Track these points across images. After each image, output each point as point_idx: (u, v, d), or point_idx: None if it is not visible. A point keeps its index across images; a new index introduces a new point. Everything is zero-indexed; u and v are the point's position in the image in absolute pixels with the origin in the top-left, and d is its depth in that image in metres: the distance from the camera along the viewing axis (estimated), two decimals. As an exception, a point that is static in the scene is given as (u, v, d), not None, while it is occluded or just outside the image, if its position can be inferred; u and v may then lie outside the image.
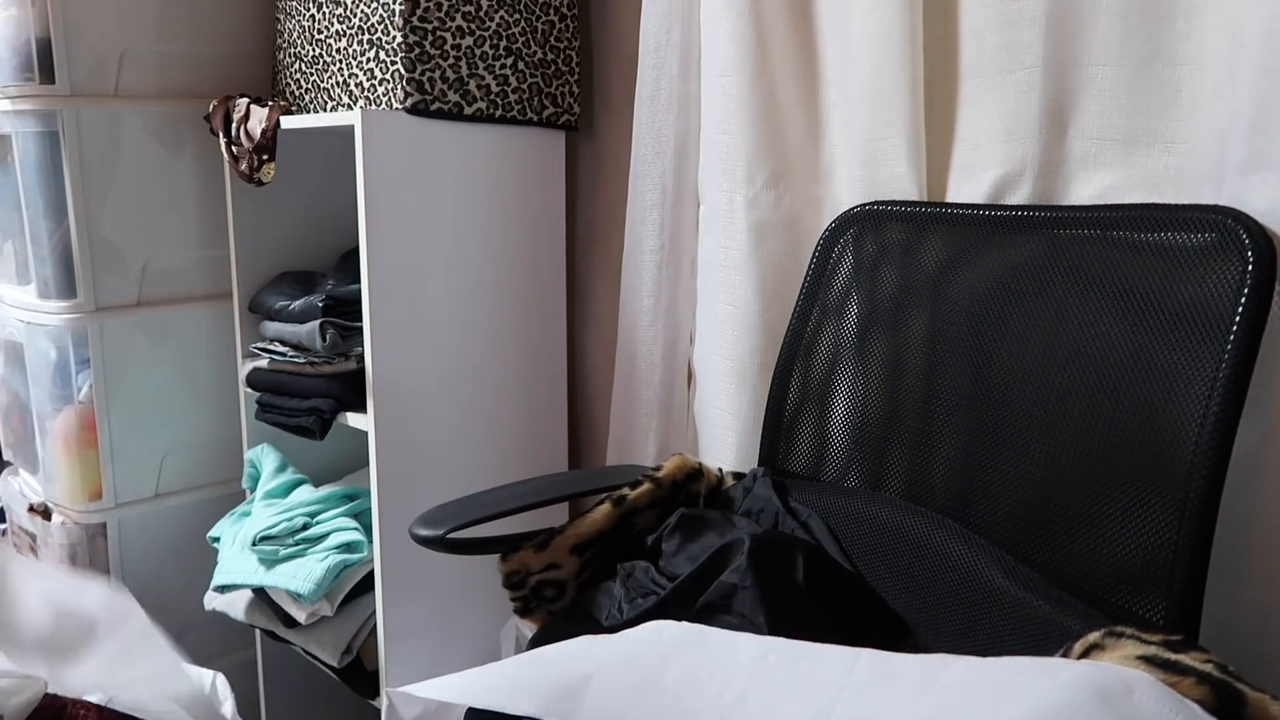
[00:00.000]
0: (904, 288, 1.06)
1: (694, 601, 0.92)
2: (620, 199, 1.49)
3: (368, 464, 1.42)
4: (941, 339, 1.02)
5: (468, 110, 1.43)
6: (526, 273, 1.56)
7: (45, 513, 1.72)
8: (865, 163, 1.14)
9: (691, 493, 1.12)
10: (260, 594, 1.53)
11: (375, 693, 1.45)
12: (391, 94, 1.39)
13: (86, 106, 1.56)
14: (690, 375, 1.42)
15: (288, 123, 1.46)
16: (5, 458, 1.94)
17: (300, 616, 1.46)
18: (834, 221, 1.14)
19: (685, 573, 0.93)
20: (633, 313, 1.44)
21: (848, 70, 1.17)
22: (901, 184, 1.10)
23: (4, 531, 1.94)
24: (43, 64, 1.54)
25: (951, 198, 1.10)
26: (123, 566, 1.69)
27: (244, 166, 1.53)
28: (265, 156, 1.50)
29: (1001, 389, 0.94)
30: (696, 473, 1.13)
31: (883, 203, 1.11)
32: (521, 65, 1.48)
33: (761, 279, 1.25)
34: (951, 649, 0.89)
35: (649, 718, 0.79)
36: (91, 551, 1.68)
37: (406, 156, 1.38)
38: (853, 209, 1.13)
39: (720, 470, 1.18)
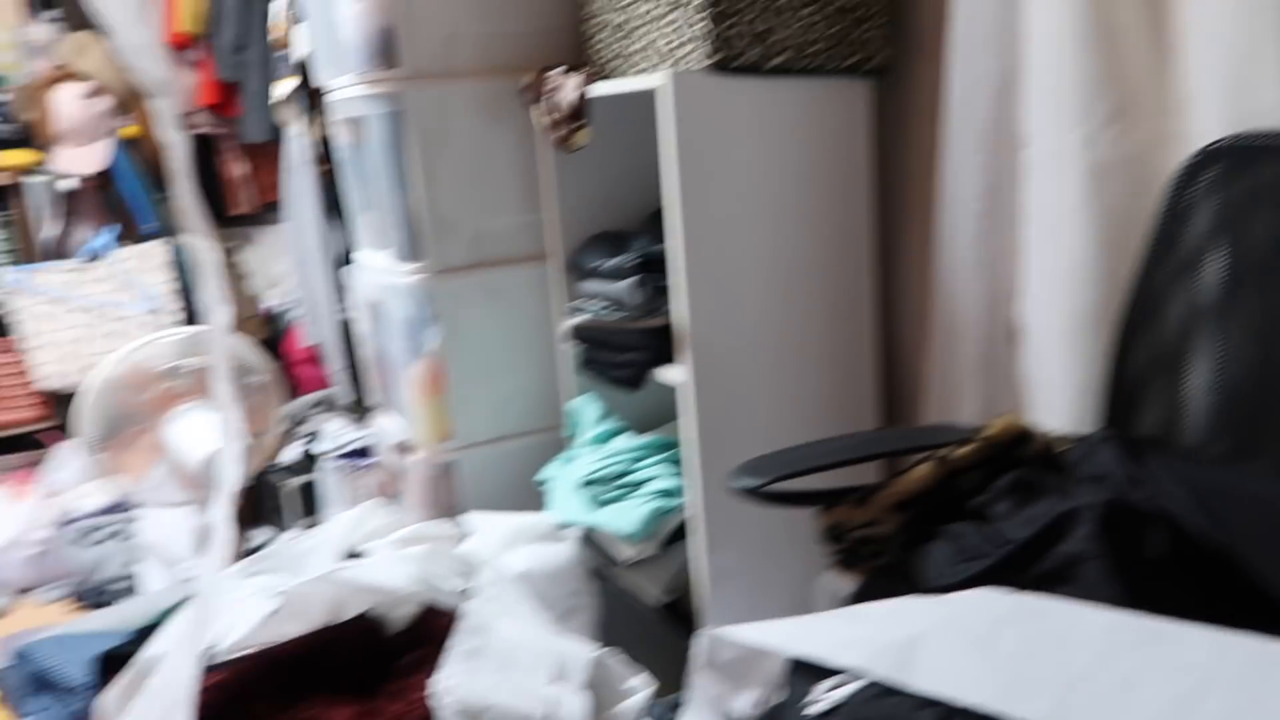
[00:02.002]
0: (1280, 233, 0.94)
1: (1030, 569, 0.88)
2: (932, 147, 1.43)
3: (678, 416, 1.47)
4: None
5: (770, 64, 1.42)
6: (831, 226, 1.54)
7: (406, 450, 1.95)
8: (1231, 90, 1.01)
9: (1021, 455, 1.07)
10: (588, 532, 1.65)
11: (694, 631, 1.52)
12: (694, 54, 1.41)
13: (424, 87, 1.72)
14: (1018, 331, 1.34)
15: (597, 90, 1.53)
16: (373, 402, 2.21)
17: (625, 555, 1.56)
18: (1191, 159, 1.03)
19: (1020, 538, 0.90)
20: (952, 265, 1.39)
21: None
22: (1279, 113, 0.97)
23: (374, 465, 2.23)
24: (388, 50, 1.71)
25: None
26: (469, 500, 1.88)
27: (559, 134, 1.62)
28: (578, 123, 1.58)
29: None
30: (1027, 434, 1.07)
31: (1255, 135, 0.98)
32: (826, 13, 1.44)
33: (1101, 226, 1.16)
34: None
35: (983, 683, 0.78)
36: (443, 485, 1.89)
37: (710, 115, 1.40)
38: (1215, 144, 1.01)
39: (1053, 432, 1.12)
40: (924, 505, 1.06)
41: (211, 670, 1.19)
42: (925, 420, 1.48)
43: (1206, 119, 1.07)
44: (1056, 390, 1.22)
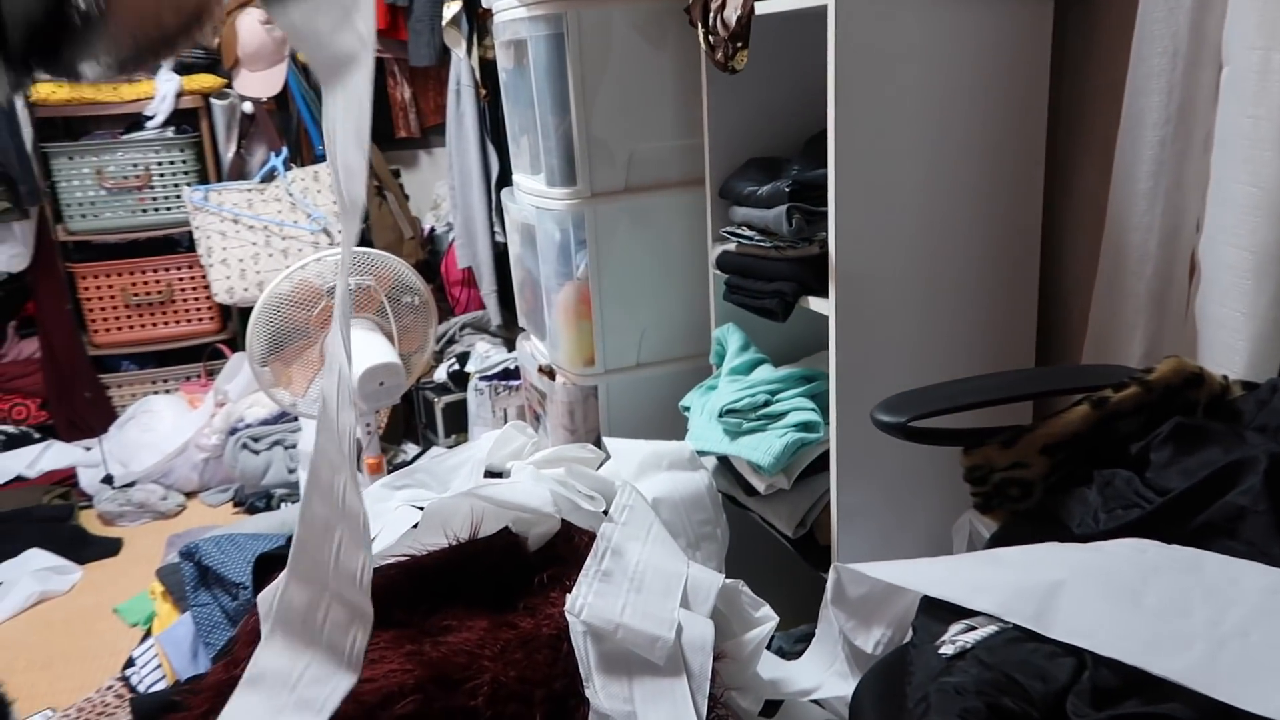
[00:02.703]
0: None
1: (1188, 521, 0.82)
2: (1118, 67, 1.32)
3: (825, 347, 1.44)
4: None
5: (947, -21, 1.34)
6: (1000, 154, 1.45)
7: (550, 373, 2.00)
8: None
9: (1188, 400, 0.99)
10: (724, 462, 1.65)
11: (826, 566, 1.51)
12: (865, -31, 1.34)
13: (586, 8, 1.71)
14: (1193, 268, 1.24)
15: (761, 8, 1.48)
16: (520, 325, 2.27)
17: (760, 486, 1.56)
18: None
19: (1179, 487, 0.84)
20: (1126, 195, 1.29)
21: None
22: None
23: (520, 386, 2.29)
24: (550, -31, 1.71)
25: None
26: (610, 425, 1.91)
27: (719, 55, 1.58)
28: (740, 44, 1.54)
29: None
30: (1196, 378, 0.99)
31: None
32: (1008, -78, 1.35)
33: (1301, 154, 1.05)
34: None
35: (1127, 634, 0.74)
36: (585, 410, 1.93)
37: (879, 36, 1.33)
38: None
39: (1225, 378, 1.03)
40: (1076, 449, 1.00)
41: None
42: (1084, 360, 1.39)
43: None
44: (1233, 332, 1.13)
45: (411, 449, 2.94)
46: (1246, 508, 0.77)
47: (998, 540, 1.04)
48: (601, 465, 1.67)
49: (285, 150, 3.08)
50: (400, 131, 3.38)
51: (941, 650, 0.85)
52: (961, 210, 1.45)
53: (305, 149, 3.25)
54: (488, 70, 2.66)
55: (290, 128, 3.23)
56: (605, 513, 1.41)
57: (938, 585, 0.91)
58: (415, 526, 1.37)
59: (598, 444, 1.79)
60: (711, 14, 1.59)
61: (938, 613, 0.90)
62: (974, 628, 0.86)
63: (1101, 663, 0.74)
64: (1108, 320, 1.34)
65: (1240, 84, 1.11)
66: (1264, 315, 1.10)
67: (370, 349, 2.04)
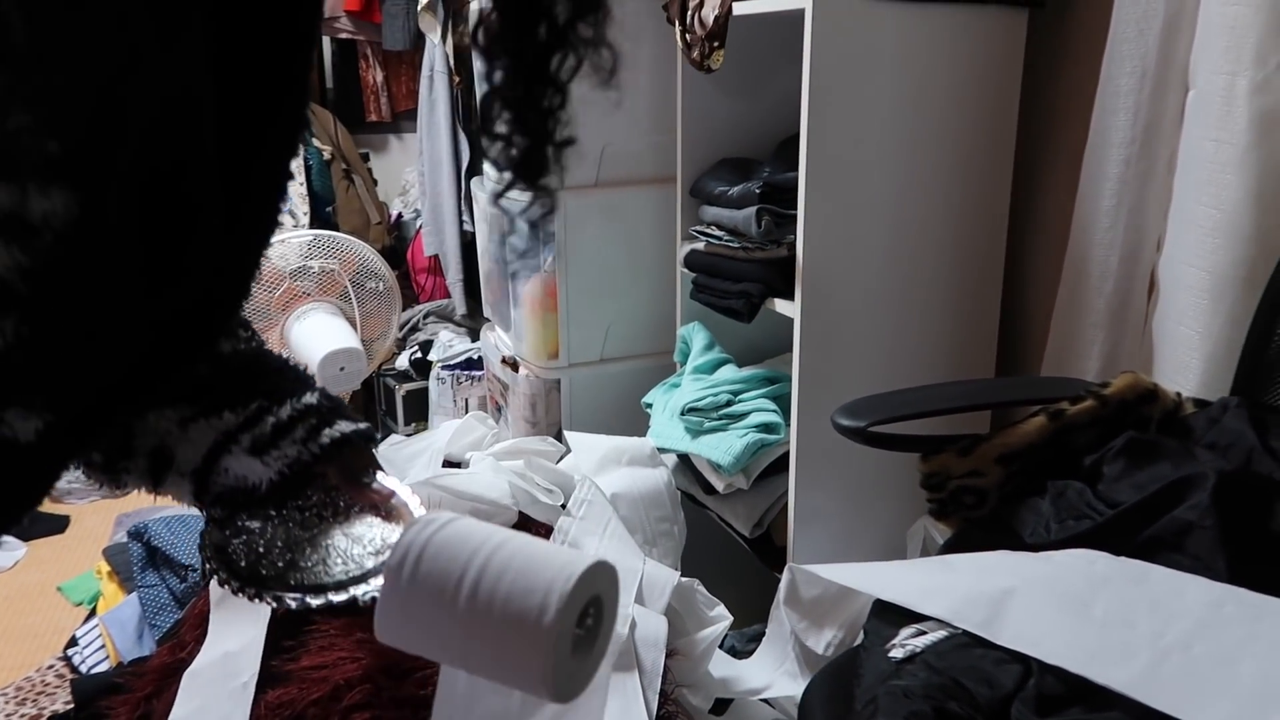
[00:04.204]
0: None
1: (1136, 534, 0.84)
2: (1087, 84, 1.34)
3: (789, 350, 1.45)
4: None
5: (923, -11, 1.35)
6: (969, 165, 1.46)
7: (514, 365, 1.99)
8: None
9: (1142, 416, 1.01)
10: (685, 460, 1.65)
11: (781, 566, 1.51)
12: (844, -25, 1.35)
13: (563, 0, 1.70)
14: (1152, 286, 1.26)
15: (739, 9, 1.48)
16: (485, 315, 2.26)
17: (719, 485, 1.56)
18: (1374, 110, 0.93)
19: (1129, 501, 0.85)
20: (1090, 212, 1.31)
21: None
22: None
23: (482, 377, 2.28)
24: (528, -38, 1.70)
25: None
26: (571, 419, 1.90)
27: (695, 54, 1.58)
28: (716, 44, 1.54)
29: None
30: (1150, 394, 1.01)
31: None
32: (985, -64, 1.36)
33: (1259, 178, 1.07)
34: None
35: (1073, 643, 0.75)
36: (547, 403, 1.92)
37: (855, 42, 1.34)
38: (1405, 94, 0.91)
39: (1179, 395, 1.05)
40: (1031, 460, 1.02)
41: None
42: (1043, 372, 1.41)
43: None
44: (1190, 351, 1.15)
45: (370, 436, 2.91)
46: (1193, 523, 0.79)
47: (951, 547, 1.05)
48: (562, 459, 1.66)
49: (253, 128, 3.03)
50: (371, 115, 3.34)
51: (891, 653, 0.86)
52: (929, 219, 1.46)
53: (273, 128, 3.20)
54: (462, 57, 2.64)
55: (259, 106, 3.18)
56: (563, 506, 1.41)
57: (890, 589, 0.92)
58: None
59: (559, 437, 1.79)
60: (689, 12, 1.59)
61: (889, 616, 0.91)
62: (924, 632, 0.87)
63: (1047, 670, 0.75)
64: (1067, 334, 1.36)
65: (1205, 108, 1.14)
66: (1218, 335, 1.12)
67: (331, 333, 2.02)
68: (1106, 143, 1.28)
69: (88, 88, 0.41)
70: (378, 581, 0.65)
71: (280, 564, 0.69)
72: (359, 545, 0.71)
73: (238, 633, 1.17)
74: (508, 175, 0.67)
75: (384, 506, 0.74)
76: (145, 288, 0.49)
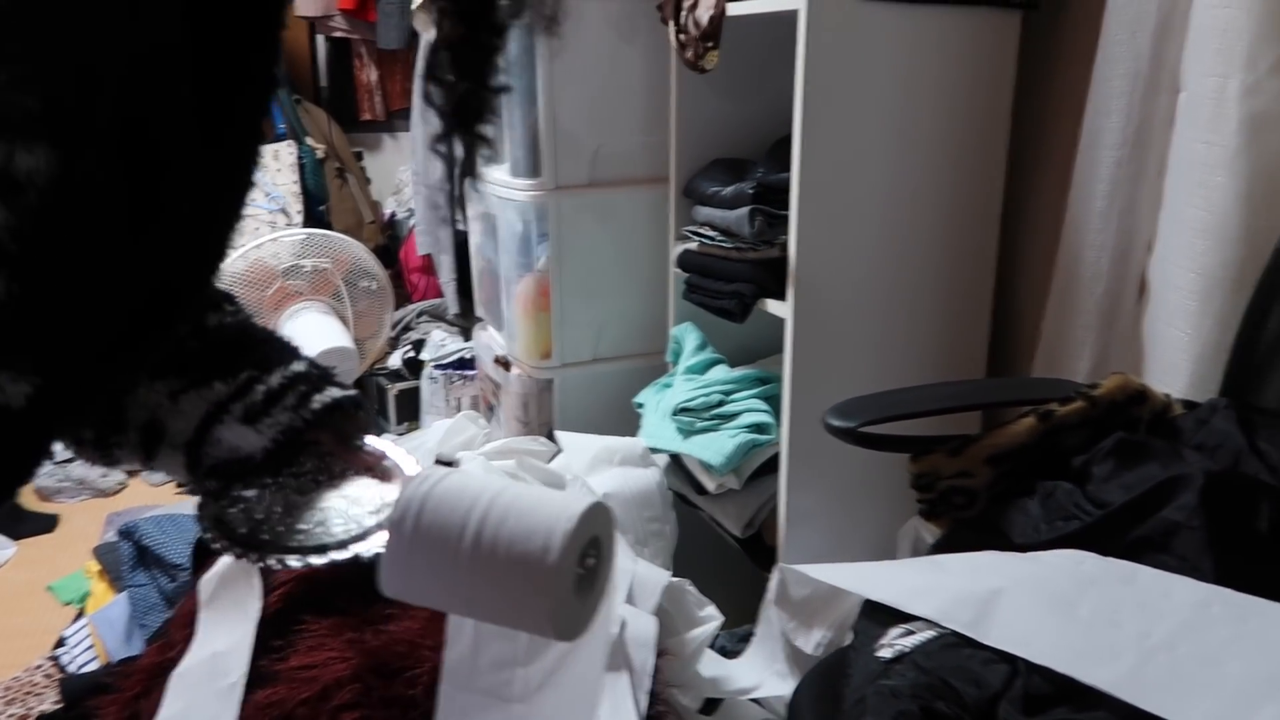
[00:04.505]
0: None
1: (1124, 534, 0.84)
2: (1079, 86, 1.34)
3: (781, 350, 1.45)
4: None
5: (917, -9, 1.35)
6: (962, 166, 1.47)
7: (506, 364, 1.99)
8: None
9: (1131, 417, 1.01)
10: (676, 460, 1.65)
11: (772, 566, 1.51)
12: (837, -24, 1.35)
13: None
14: (1143, 287, 1.26)
15: (733, 9, 1.48)
16: (478, 315, 2.26)
17: (710, 486, 1.56)
18: (1363, 113, 0.94)
19: (1118, 501, 0.85)
20: (1082, 213, 1.31)
21: None
22: None
23: (475, 376, 2.28)
24: (522, -40, 1.70)
25: None
26: (562, 419, 1.90)
27: (689, 54, 1.58)
28: (710, 44, 1.54)
29: None
30: (1140, 395, 1.01)
31: None
32: (980, -63, 1.36)
33: (1250, 180, 1.07)
34: None
35: (1059, 643, 0.75)
36: (539, 402, 1.92)
37: (848, 43, 1.34)
38: (1393, 98, 0.92)
39: (1168, 396, 1.05)
40: (1021, 460, 1.02)
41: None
42: (1034, 373, 1.41)
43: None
44: (1179, 352, 1.15)
45: (362, 435, 2.90)
46: (1181, 523, 0.79)
47: (941, 547, 1.05)
48: (553, 459, 1.66)
49: (246, 126, 3.03)
50: (365, 114, 3.34)
51: (880, 653, 0.86)
52: (921, 220, 1.46)
53: (266, 126, 3.20)
54: (457, 56, 2.63)
55: (252, 104, 3.18)
56: (554, 506, 1.40)
57: (879, 589, 0.92)
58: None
59: (550, 437, 1.79)
60: (683, 12, 1.59)
61: (878, 616, 0.91)
62: (912, 632, 0.87)
63: (1034, 670, 0.75)
64: (1058, 335, 1.36)
65: (1196, 110, 1.14)
66: (1207, 337, 1.12)
67: (323, 332, 2.01)
68: (1098, 144, 1.28)
69: (65, 44, 0.42)
70: (380, 538, 0.66)
71: (280, 528, 0.69)
72: (357, 506, 0.71)
73: (226, 632, 1.17)
74: (446, 123, 0.68)
75: (377, 468, 0.75)
76: (129, 244, 0.49)
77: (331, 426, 0.72)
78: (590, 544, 0.56)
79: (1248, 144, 1.07)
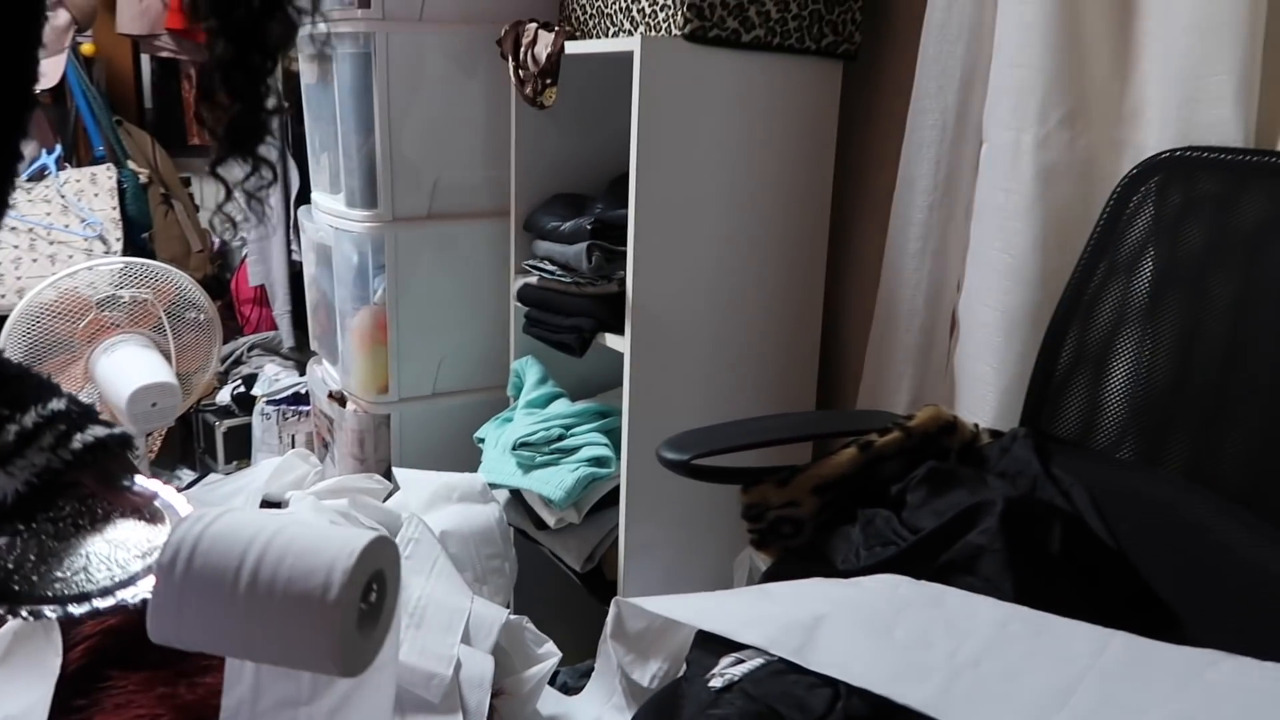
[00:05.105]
0: (1212, 247, 0.95)
1: (935, 558, 0.89)
2: (895, 134, 1.43)
3: (621, 384, 1.47)
4: (1253, 307, 0.90)
5: (745, 38, 1.41)
6: (790, 206, 1.53)
7: (341, 400, 1.92)
8: (1182, 103, 1.02)
9: (943, 446, 1.07)
10: (516, 495, 1.64)
11: (612, 600, 1.52)
12: (671, 20, 1.39)
13: (397, 30, 1.68)
14: (954, 325, 1.35)
15: (571, 48, 1.50)
16: (312, 348, 2.18)
17: (550, 520, 1.55)
18: (1136, 167, 1.03)
19: (929, 527, 0.90)
20: (898, 254, 1.39)
21: (1172, -3, 1.04)
22: (1225, 129, 0.97)
23: (309, 412, 2.20)
24: (362, -10, 1.67)
25: (1285, 146, 0.96)
26: (401, 455, 1.86)
27: (528, 90, 1.60)
28: (549, 81, 1.56)
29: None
30: (950, 426, 1.08)
31: (1198, 149, 0.99)
32: (803, -9, 1.43)
33: (1044, 226, 1.16)
34: (1224, 649, 0.80)
35: (876, 665, 0.78)
36: (377, 439, 1.87)
37: (681, 84, 1.39)
38: (1160, 154, 1.02)
39: (976, 426, 1.12)
40: (844, 489, 1.06)
41: (106, 614, 1.16)
42: (859, 406, 1.48)
43: (1154, 130, 1.07)
44: (986, 385, 1.23)
45: (187, 475, 2.75)
46: (984, 546, 0.84)
47: (770, 576, 1.08)
48: (390, 496, 1.62)
49: (59, 148, 2.85)
50: (194, 138, 3.19)
51: (711, 683, 0.88)
52: (753, 257, 1.51)
53: (82, 148, 3.01)
54: (291, 82, 2.56)
55: (67, 125, 2.99)
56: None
57: (711, 620, 0.94)
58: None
59: (388, 474, 1.74)
60: (523, 49, 1.60)
61: (710, 646, 0.93)
62: (743, 660, 0.89)
63: (854, 692, 0.78)
64: (879, 369, 1.43)
65: (996, 160, 1.23)
66: (1011, 370, 1.21)
67: (141, 366, 1.90)
68: (912, 189, 1.36)
69: None
70: (148, 583, 0.62)
71: (34, 577, 0.65)
72: (122, 550, 0.68)
73: (20, 693, 1.07)
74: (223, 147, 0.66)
75: (146, 509, 0.71)
76: None
77: (95, 467, 0.67)
78: (374, 578, 0.55)
79: (1041, 194, 1.16)
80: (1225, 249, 0.94)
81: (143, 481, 0.71)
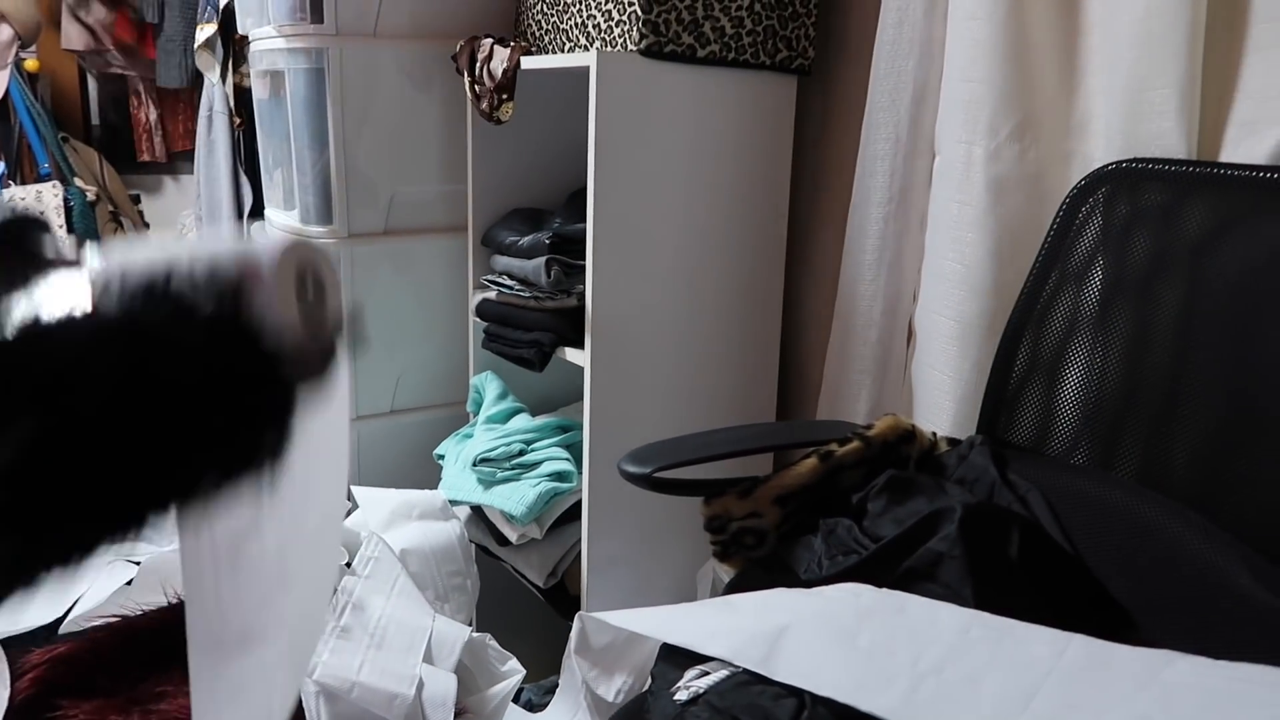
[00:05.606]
0: (1158, 256, 0.97)
1: (896, 565, 0.89)
2: (850, 148, 1.44)
3: (581, 398, 1.46)
4: (1198, 314, 0.92)
5: (701, 53, 1.42)
6: (748, 220, 1.54)
7: (297, 418, 1.90)
8: (1127, 116, 1.04)
9: (902, 455, 1.08)
10: (477, 511, 1.63)
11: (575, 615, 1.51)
12: (627, 35, 1.40)
13: (350, 45, 1.67)
14: (911, 334, 1.37)
15: (527, 63, 1.51)
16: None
17: (512, 536, 1.55)
18: (1084, 179, 1.06)
19: (890, 535, 0.91)
20: (855, 266, 1.40)
21: (1115, 12, 1.07)
22: (1168, 140, 1.00)
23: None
24: (313, 5, 1.66)
25: (1226, 157, 0.99)
26: (359, 474, 1.84)
27: (485, 105, 1.59)
28: (505, 95, 1.55)
29: (1272, 373, 0.84)
30: (909, 435, 1.09)
31: (1143, 160, 1.01)
32: (757, 7, 1.45)
33: (996, 237, 1.18)
34: (1178, 649, 0.82)
35: (840, 674, 0.79)
36: (334, 457, 1.84)
37: (638, 99, 1.39)
38: (1107, 166, 1.04)
39: (934, 435, 1.14)
40: (805, 499, 1.07)
41: (57, 641, 1.13)
42: (818, 416, 1.49)
43: (1101, 142, 1.10)
44: (943, 394, 1.25)
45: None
46: (944, 553, 0.85)
47: (733, 587, 1.08)
48: (349, 515, 1.60)
49: (2, 166, 2.79)
50: (143, 155, 3.14)
51: (676, 696, 0.87)
52: (712, 270, 1.52)
53: (27, 165, 2.95)
54: (243, 98, 2.54)
55: (10, 142, 2.93)
56: (349, 564, 1.35)
57: (675, 632, 0.93)
58: (129, 584, 1.25)
59: (347, 493, 1.72)
60: (478, 64, 1.60)
61: (675, 659, 0.92)
62: (708, 673, 0.89)
63: (819, 701, 0.78)
64: (838, 379, 1.44)
65: (948, 173, 1.25)
66: (967, 379, 1.22)
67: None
68: (868, 201, 1.38)
69: None
70: None
71: None
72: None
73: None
74: None
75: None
76: None
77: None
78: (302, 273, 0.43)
79: (993, 205, 1.18)
80: (1170, 258, 0.96)
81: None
